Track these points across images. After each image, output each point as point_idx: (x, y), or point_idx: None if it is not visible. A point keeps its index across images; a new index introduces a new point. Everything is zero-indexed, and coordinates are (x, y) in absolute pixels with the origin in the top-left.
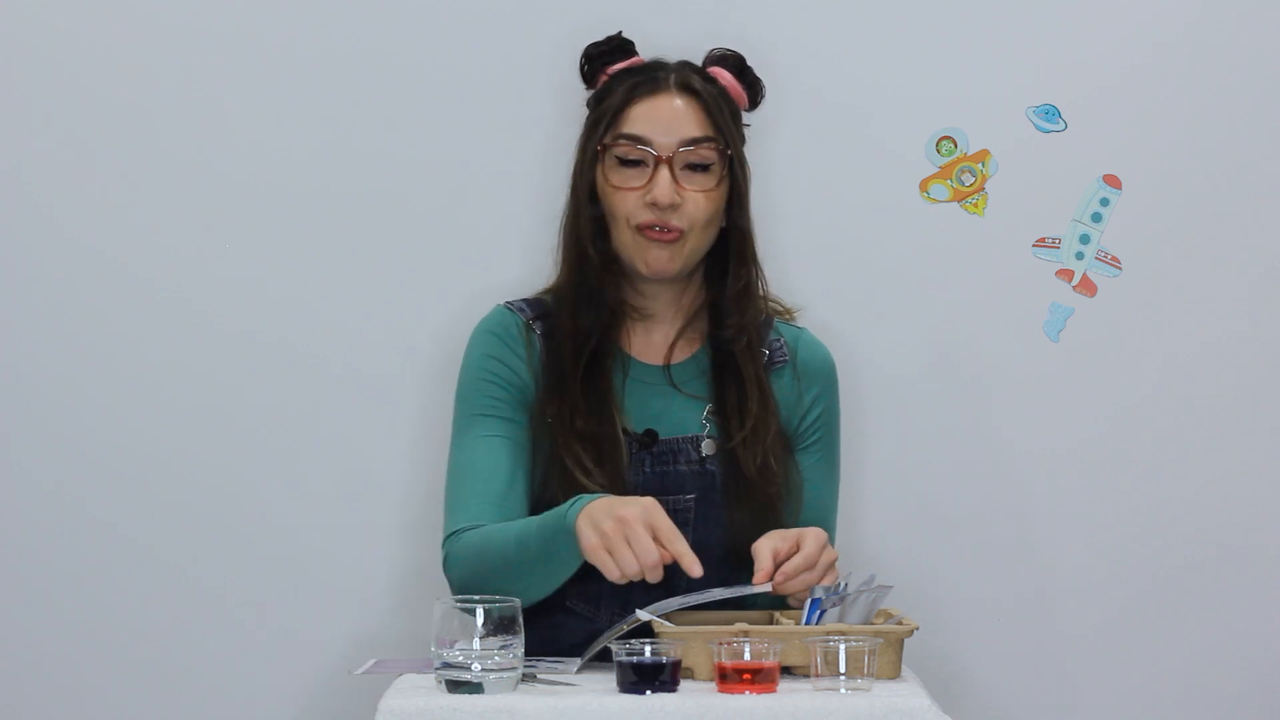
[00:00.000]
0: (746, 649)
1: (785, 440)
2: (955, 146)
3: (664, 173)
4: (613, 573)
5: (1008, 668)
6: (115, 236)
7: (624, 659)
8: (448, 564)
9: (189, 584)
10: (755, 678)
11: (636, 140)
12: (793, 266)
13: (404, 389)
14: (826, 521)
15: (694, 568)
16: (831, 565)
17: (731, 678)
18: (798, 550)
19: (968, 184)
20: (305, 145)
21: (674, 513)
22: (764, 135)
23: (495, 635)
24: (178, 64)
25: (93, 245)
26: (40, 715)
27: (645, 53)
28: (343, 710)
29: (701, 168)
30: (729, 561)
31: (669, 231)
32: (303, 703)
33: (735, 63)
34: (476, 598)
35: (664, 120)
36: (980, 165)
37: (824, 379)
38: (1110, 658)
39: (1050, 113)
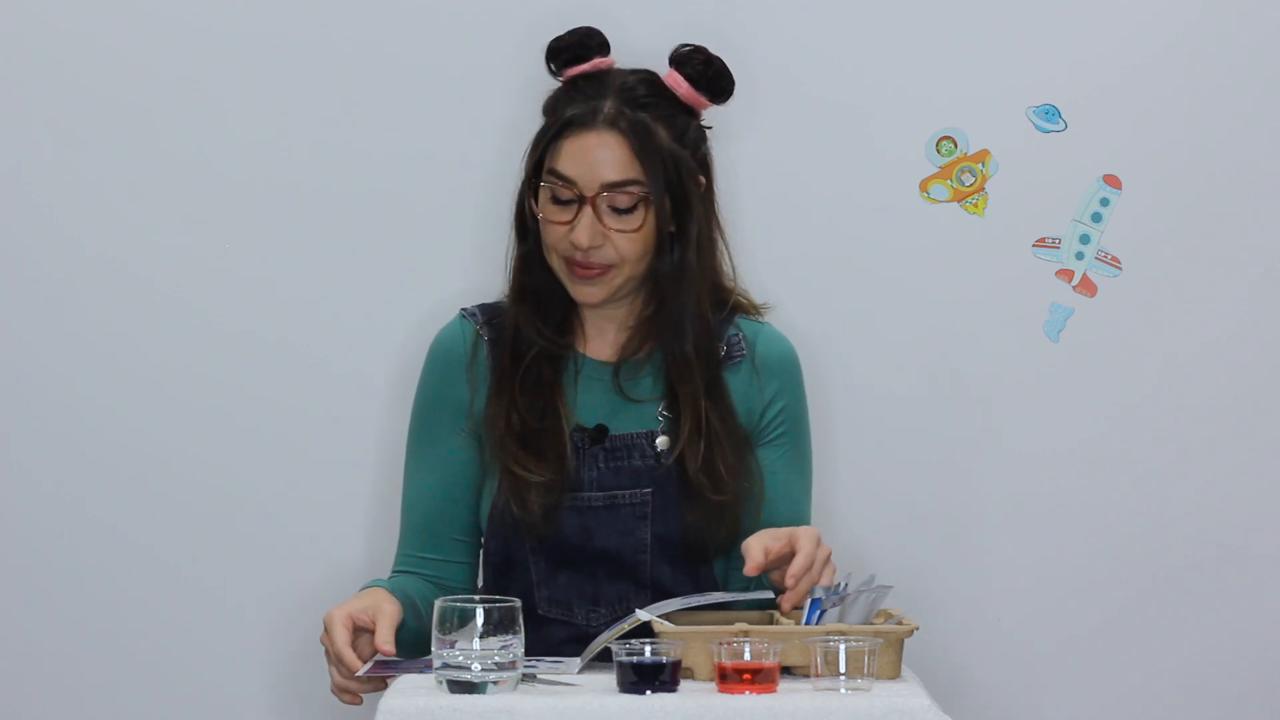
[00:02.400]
0: (746, 649)
1: (745, 440)
2: (955, 146)
3: (586, 213)
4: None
5: (1008, 668)
6: (113, 236)
7: (624, 659)
8: None
9: (189, 583)
10: (755, 678)
11: (564, 179)
12: (792, 267)
13: (405, 387)
14: (799, 515)
15: (384, 646)
16: (828, 560)
17: (731, 678)
18: (790, 549)
19: (968, 184)
20: (307, 145)
21: (631, 506)
22: (763, 135)
23: (495, 635)
24: (170, 64)
25: (91, 245)
26: (40, 715)
27: (641, 51)
28: (343, 710)
29: (626, 210)
30: (689, 557)
31: (593, 269)
32: (303, 702)
33: (698, 63)
34: (477, 598)
35: (589, 160)
36: (980, 165)
37: (785, 373)
38: (1110, 658)
39: (1050, 113)
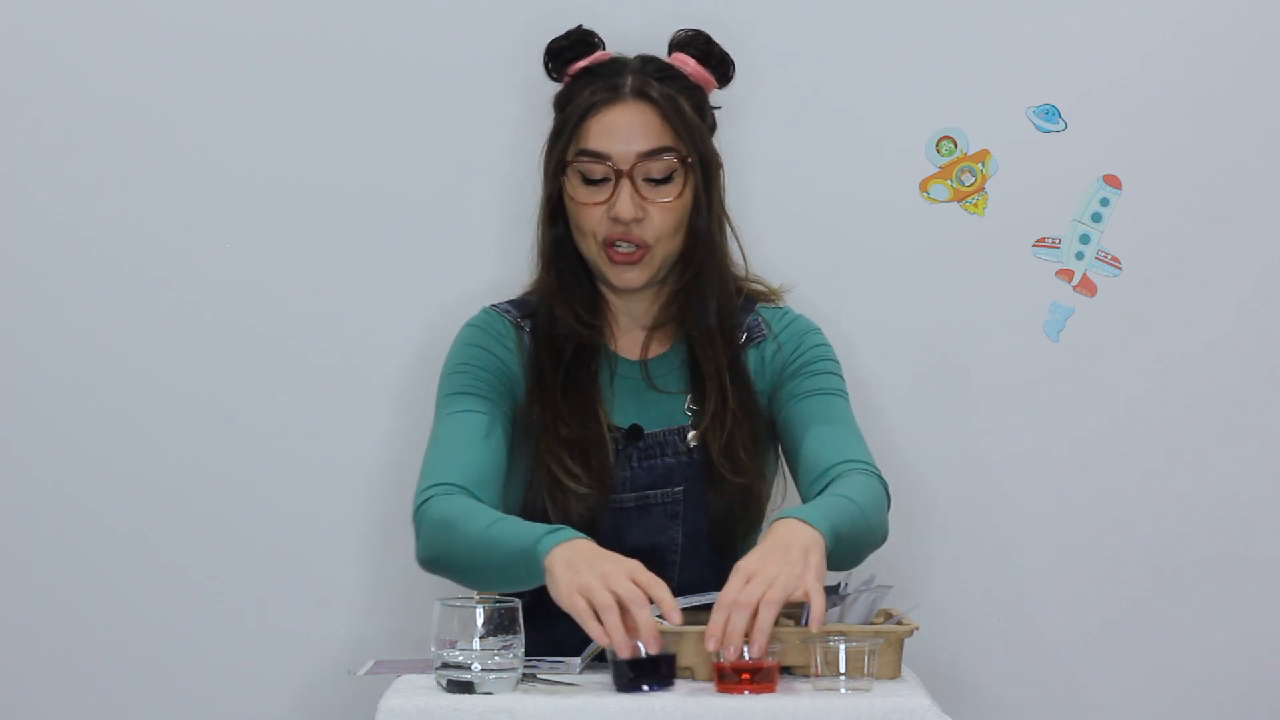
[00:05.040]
0: (746, 649)
1: (762, 426)
2: (955, 146)
3: (625, 187)
4: (598, 634)
5: (1008, 668)
6: (116, 236)
7: (618, 656)
8: (422, 518)
9: (189, 583)
10: (754, 678)
11: (596, 156)
12: (792, 266)
13: (407, 388)
14: (855, 452)
15: (673, 615)
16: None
17: (730, 677)
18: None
19: (968, 184)
20: (311, 145)
21: (663, 505)
22: (763, 135)
23: (495, 635)
24: (172, 64)
25: (93, 245)
26: (40, 715)
27: (640, 46)
28: (343, 710)
29: (663, 180)
30: (717, 551)
31: (635, 249)
32: (303, 703)
33: (700, 44)
34: (476, 597)
35: (622, 133)
36: (980, 165)
37: (810, 335)
38: (1110, 658)
39: (1050, 113)
